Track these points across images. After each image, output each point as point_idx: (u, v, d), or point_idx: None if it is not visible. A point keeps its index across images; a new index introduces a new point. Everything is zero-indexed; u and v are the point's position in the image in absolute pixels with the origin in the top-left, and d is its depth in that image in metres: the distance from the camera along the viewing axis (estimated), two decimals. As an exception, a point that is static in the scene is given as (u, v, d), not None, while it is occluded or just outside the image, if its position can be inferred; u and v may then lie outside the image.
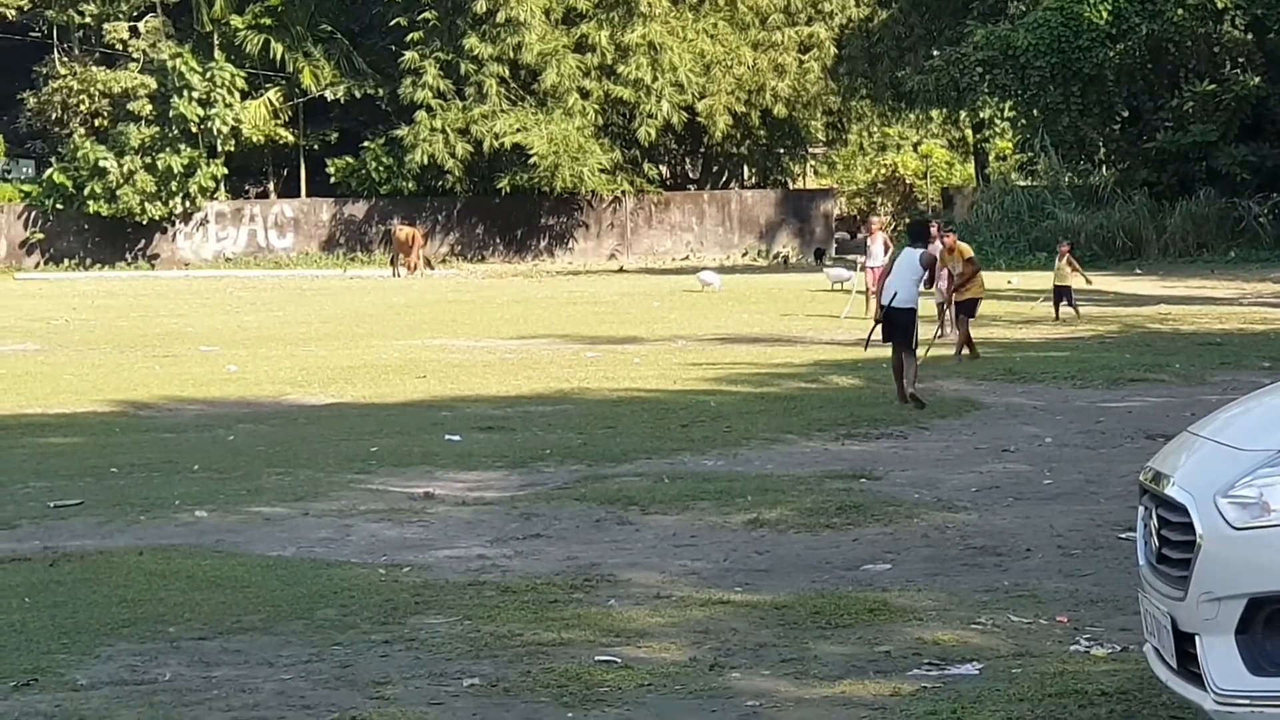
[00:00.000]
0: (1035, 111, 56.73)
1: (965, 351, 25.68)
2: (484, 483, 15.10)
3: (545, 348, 29.26)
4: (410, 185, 67.45)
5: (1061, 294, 32.32)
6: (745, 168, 74.65)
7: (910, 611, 9.73)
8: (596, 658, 8.81)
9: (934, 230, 30.79)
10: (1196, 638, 6.28)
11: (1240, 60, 56.45)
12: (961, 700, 7.82)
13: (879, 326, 20.87)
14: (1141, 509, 6.83)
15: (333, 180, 69.03)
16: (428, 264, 60.33)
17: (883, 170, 79.12)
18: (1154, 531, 6.61)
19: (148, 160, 66.68)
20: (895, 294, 20.31)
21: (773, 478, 14.86)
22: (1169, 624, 6.45)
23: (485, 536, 12.51)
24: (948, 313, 28.35)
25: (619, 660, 8.76)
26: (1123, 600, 9.53)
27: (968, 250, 27.91)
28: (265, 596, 10.45)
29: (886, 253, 31.87)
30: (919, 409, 19.43)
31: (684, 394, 21.74)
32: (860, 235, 74.10)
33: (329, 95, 68.26)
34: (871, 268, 32.88)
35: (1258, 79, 53.94)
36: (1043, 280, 36.55)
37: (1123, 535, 11.41)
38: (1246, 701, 6.12)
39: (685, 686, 8.26)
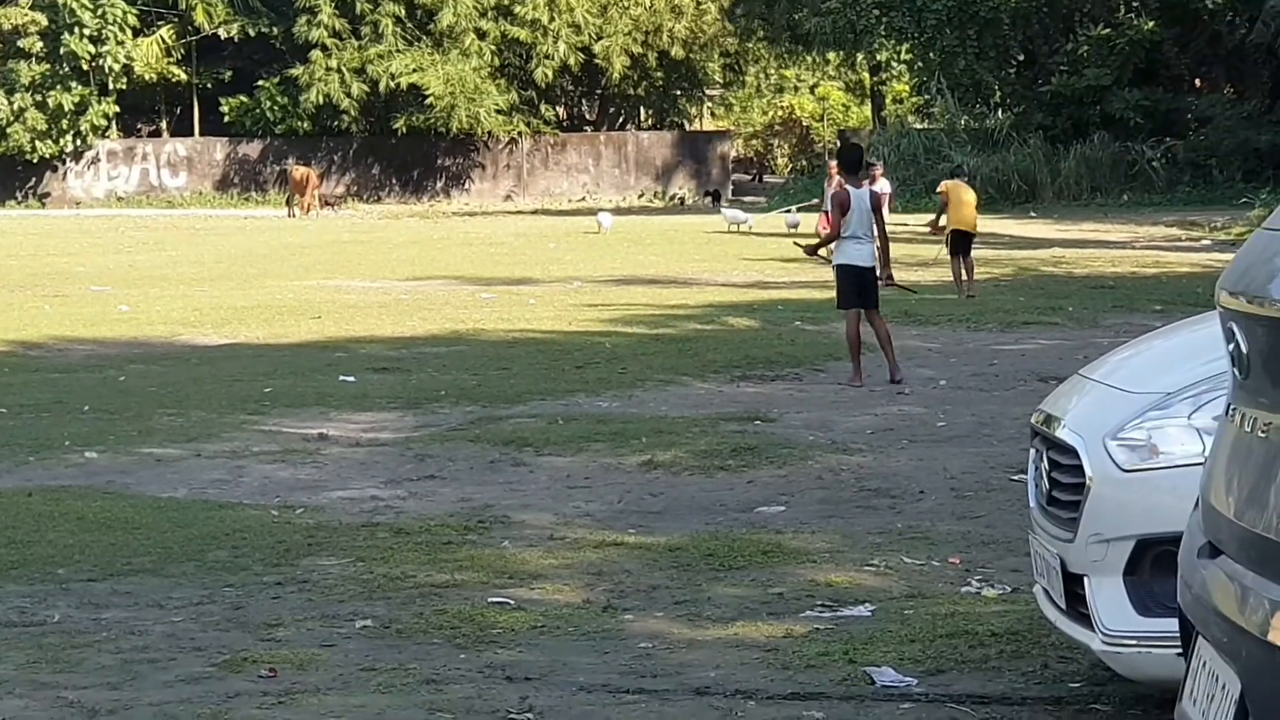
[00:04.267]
0: (931, 54, 56.85)
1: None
2: (378, 424, 15.03)
3: (440, 289, 29.15)
4: (305, 125, 67.07)
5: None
6: (642, 109, 74.59)
7: (804, 553, 9.76)
8: (490, 599, 8.79)
9: (878, 169, 30.51)
10: (1085, 579, 6.33)
11: (1134, 4, 56.77)
12: (854, 641, 7.84)
13: (842, 294, 17.56)
14: (1032, 451, 6.86)
15: (227, 120, 68.50)
16: (323, 204, 59.98)
17: (780, 113, 79.22)
18: (1044, 473, 6.65)
19: (38, 98, 66.00)
20: (861, 249, 17.38)
21: (667, 419, 14.84)
22: (1058, 565, 6.50)
23: (379, 478, 12.45)
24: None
25: (512, 602, 8.74)
26: (1014, 542, 9.59)
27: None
28: (156, 538, 10.36)
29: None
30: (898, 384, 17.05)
31: (579, 335, 21.70)
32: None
33: (222, 33, 67.61)
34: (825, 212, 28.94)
35: (1151, 23, 54.30)
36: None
37: (1014, 477, 11.47)
38: (1134, 642, 6.18)
39: (579, 628, 8.25)
